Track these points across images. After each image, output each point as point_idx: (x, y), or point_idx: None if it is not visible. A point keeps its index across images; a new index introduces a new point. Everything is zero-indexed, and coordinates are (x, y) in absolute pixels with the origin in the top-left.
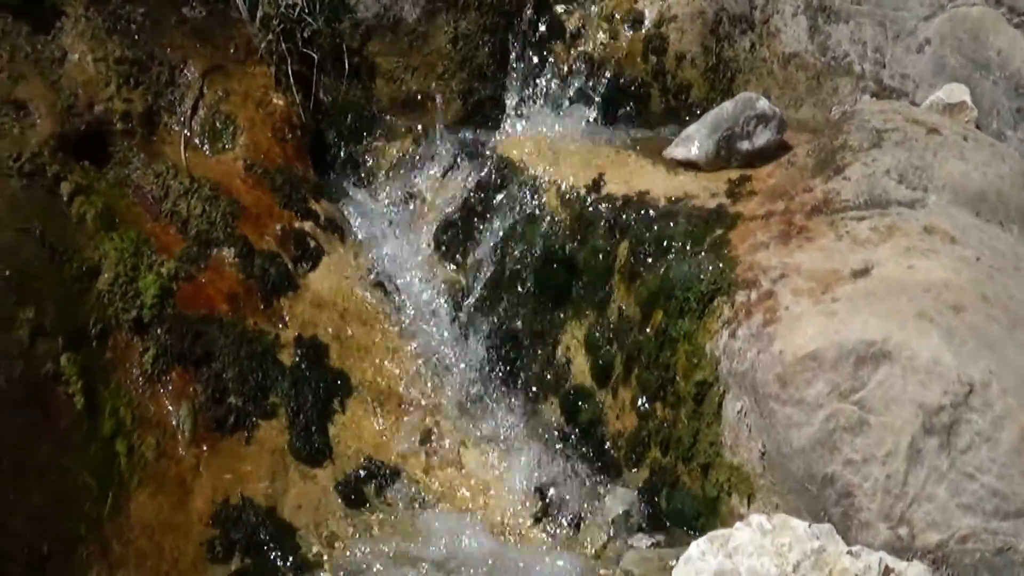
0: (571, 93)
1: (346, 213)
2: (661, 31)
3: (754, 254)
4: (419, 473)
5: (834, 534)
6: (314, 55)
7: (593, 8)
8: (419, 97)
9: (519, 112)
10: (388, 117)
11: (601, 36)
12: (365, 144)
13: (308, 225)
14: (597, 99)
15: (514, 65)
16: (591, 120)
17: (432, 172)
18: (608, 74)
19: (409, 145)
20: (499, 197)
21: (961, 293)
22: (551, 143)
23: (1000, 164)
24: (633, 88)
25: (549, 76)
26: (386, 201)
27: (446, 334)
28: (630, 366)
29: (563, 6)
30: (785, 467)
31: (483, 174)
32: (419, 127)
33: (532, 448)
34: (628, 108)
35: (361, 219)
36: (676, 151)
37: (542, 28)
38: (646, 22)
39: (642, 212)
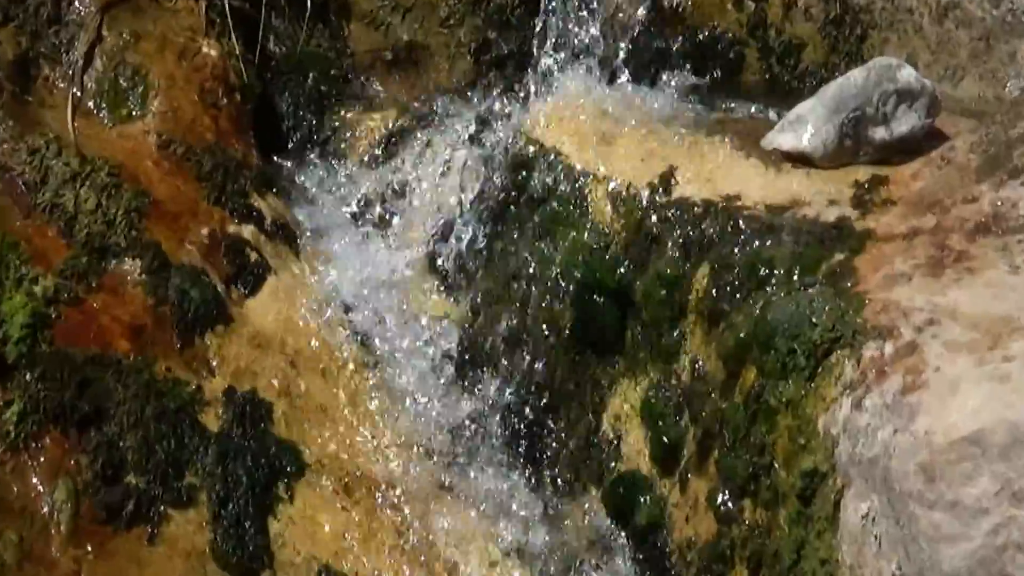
0: (629, 50)
1: (303, 214)
2: None
3: (890, 290)
4: None
5: None
6: None
7: None
8: (412, 51)
9: (554, 75)
10: (367, 79)
11: None
12: (333, 116)
13: (248, 230)
14: (667, 60)
15: (549, 6)
16: (658, 90)
17: (427, 158)
18: (684, 25)
19: (395, 119)
20: (523, 197)
21: None
22: (599, 121)
23: None
24: (720, 47)
25: (599, 24)
26: (361, 199)
27: (440, 392)
28: (707, 446)
29: None
30: None
31: (501, 164)
32: (410, 94)
33: (560, 560)
34: (712, 74)
35: (324, 223)
36: (781, 139)
37: None
38: None
39: (730, 225)
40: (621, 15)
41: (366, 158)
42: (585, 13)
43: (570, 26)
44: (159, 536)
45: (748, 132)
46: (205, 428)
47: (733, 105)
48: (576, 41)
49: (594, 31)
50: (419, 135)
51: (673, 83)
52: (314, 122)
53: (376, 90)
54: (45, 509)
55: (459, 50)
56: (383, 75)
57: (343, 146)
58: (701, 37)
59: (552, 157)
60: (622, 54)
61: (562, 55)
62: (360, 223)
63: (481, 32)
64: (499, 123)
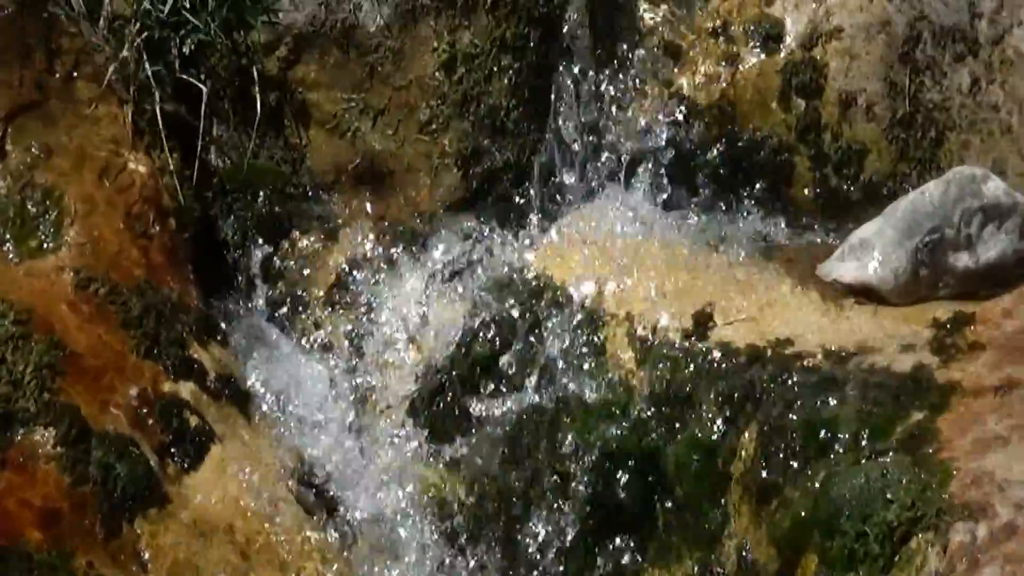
0: (655, 161)
1: (255, 367)
2: (813, 55)
3: (982, 457)
4: None
5: None
6: (202, 86)
7: (696, 15)
8: (385, 163)
9: (563, 193)
10: (330, 198)
11: (708, 63)
12: (290, 245)
13: (187, 389)
14: (701, 172)
15: (556, 109)
16: (689, 209)
17: (406, 296)
18: (721, 130)
19: (367, 248)
20: (525, 343)
21: None
22: (618, 249)
23: None
24: (764, 155)
25: (617, 131)
26: (326, 346)
27: None
28: None
29: (647, 7)
30: None
31: (498, 303)
32: (384, 216)
33: None
34: (755, 189)
35: (281, 378)
36: (842, 268)
37: (605, 47)
38: (787, 39)
39: (782, 378)
40: (644, 119)
41: (331, 297)
42: (599, 115)
43: (581, 132)
44: None
45: (801, 260)
46: None
47: (782, 226)
48: (589, 150)
49: (611, 138)
50: (396, 267)
51: (708, 200)
52: (267, 253)
53: (342, 212)
54: None
55: (443, 162)
56: (350, 193)
57: (303, 282)
58: (741, 143)
59: (560, 294)
60: (646, 166)
61: (572, 168)
62: (327, 378)
63: (470, 139)
64: (494, 252)
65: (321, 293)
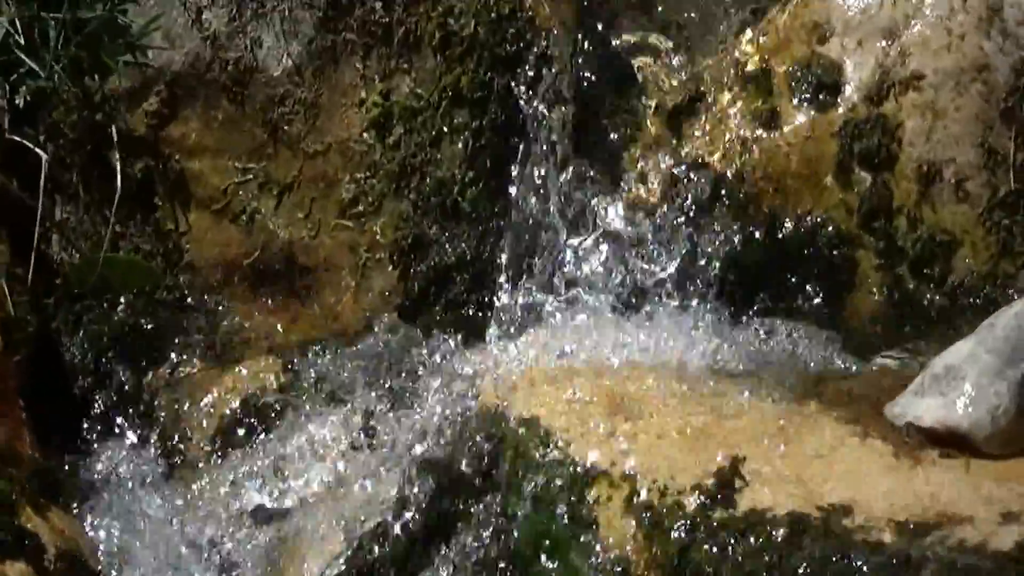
0: (666, 257)
1: (112, 540)
2: (883, 112)
3: None
4: None
5: None
6: (41, 151)
7: (718, 56)
8: (295, 259)
9: (535, 299)
10: (218, 306)
11: (737, 122)
12: (160, 373)
13: (16, 571)
14: (725, 275)
15: (526, 186)
16: (712, 324)
17: (320, 448)
18: (753, 214)
19: (266, 380)
20: (481, 515)
21: None
22: (614, 378)
23: None
24: (814, 248)
25: (608, 215)
26: (207, 516)
27: None
28: None
29: (646, 46)
30: None
31: (444, 456)
32: (292, 331)
33: None
34: (802, 297)
35: (146, 555)
36: (920, 407)
37: (591, 101)
38: (847, 90)
39: (837, 558)
40: (652, 198)
41: (217, 445)
42: (584, 193)
43: (560, 216)
44: None
45: (864, 394)
46: None
47: (838, 347)
48: (574, 241)
49: (599, 223)
50: (305, 406)
51: (736, 312)
52: (130, 383)
53: (234, 325)
54: None
55: (374, 256)
56: (246, 299)
57: (179, 425)
58: (783, 234)
59: (533, 441)
60: (650, 263)
61: (547, 265)
62: (208, 552)
63: (411, 226)
64: (441, 381)
65: (203, 440)
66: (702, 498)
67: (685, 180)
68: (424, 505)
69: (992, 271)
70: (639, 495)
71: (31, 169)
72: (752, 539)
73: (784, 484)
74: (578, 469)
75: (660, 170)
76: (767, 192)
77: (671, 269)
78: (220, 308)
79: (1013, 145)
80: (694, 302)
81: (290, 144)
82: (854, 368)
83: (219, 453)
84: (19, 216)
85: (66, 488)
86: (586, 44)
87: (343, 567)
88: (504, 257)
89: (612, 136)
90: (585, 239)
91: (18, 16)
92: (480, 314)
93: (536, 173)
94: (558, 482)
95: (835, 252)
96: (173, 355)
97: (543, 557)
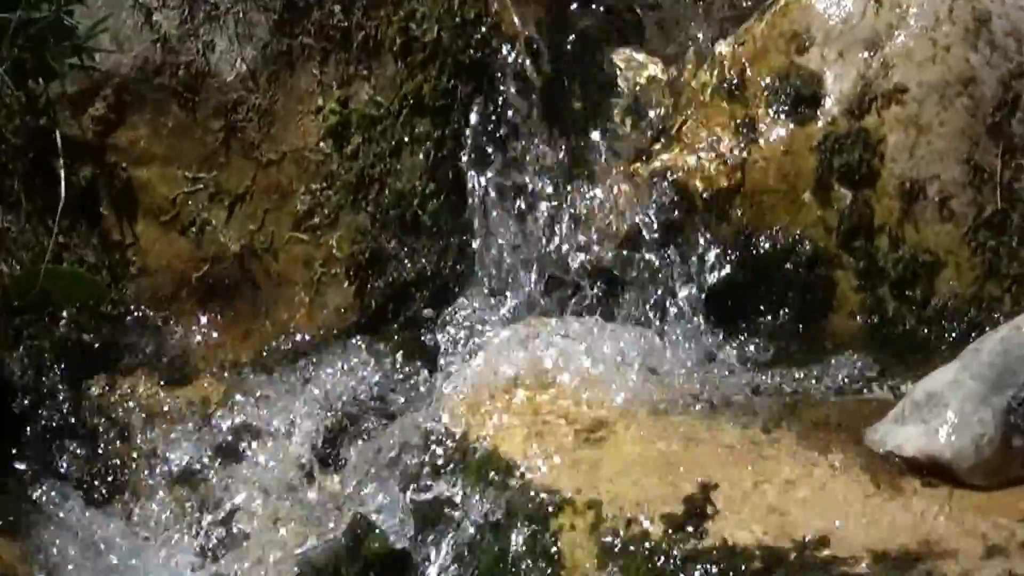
0: (631, 275)
1: (55, 563)
2: (864, 126)
3: None
4: None
5: None
6: None
7: (692, 65)
8: (247, 273)
9: (498, 315)
10: (166, 321)
11: (711, 134)
12: (103, 391)
13: None
14: (696, 294)
15: (490, 199)
16: (681, 344)
17: (276, 466)
18: (726, 230)
19: (218, 396)
20: (443, 538)
21: None
22: (575, 399)
23: None
24: (791, 267)
25: (577, 230)
26: (153, 538)
27: None
28: None
29: (621, 53)
30: None
31: (403, 474)
32: (243, 347)
33: None
34: (777, 318)
35: None
36: (900, 435)
37: (563, 109)
38: (827, 102)
39: None
40: (614, 213)
41: (161, 467)
42: (554, 208)
43: (526, 231)
44: None
45: (842, 421)
46: None
47: (815, 372)
48: (534, 254)
49: (569, 239)
50: (257, 423)
51: (707, 333)
52: (70, 401)
53: (182, 342)
54: None
55: (329, 271)
56: (195, 315)
57: (122, 446)
58: (758, 252)
59: (491, 468)
60: (619, 282)
61: (511, 282)
62: None
63: (369, 239)
64: (398, 403)
65: (146, 463)
66: (670, 528)
67: (657, 194)
68: (375, 534)
69: (977, 294)
70: (603, 524)
71: None
72: (724, 572)
73: (755, 513)
74: (535, 493)
75: (631, 181)
76: (741, 208)
77: (638, 286)
78: (167, 324)
79: (1000, 162)
80: (666, 323)
81: (243, 153)
82: (832, 394)
83: (162, 476)
84: None
85: (3, 511)
86: (554, 50)
87: None
88: (465, 273)
89: (581, 145)
90: (545, 255)
91: None
92: (440, 333)
93: (502, 187)
94: (511, 505)
95: (812, 272)
96: (118, 373)
97: None
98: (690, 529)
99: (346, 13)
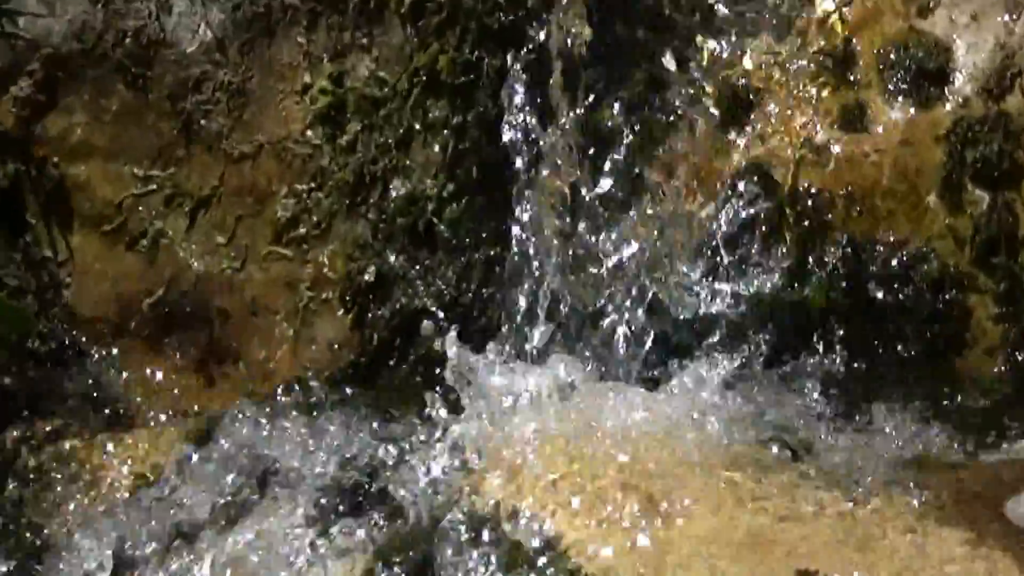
0: (699, 302)
1: None
2: (1004, 108)
3: None
4: None
5: None
6: None
7: (783, 34)
8: (213, 298)
9: (533, 354)
10: (109, 358)
11: (807, 120)
12: (34, 444)
13: None
14: (784, 323)
15: (523, 204)
16: (761, 392)
17: (243, 550)
18: (827, 240)
19: (172, 452)
20: None
21: None
22: (626, 464)
23: None
24: (909, 289)
25: (628, 245)
26: None
27: None
28: None
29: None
30: None
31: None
32: (208, 396)
33: None
34: (891, 354)
35: None
36: None
37: (612, 89)
38: (957, 79)
39: None
40: (680, 221)
41: (94, 531)
42: (596, 214)
43: (564, 244)
44: None
45: (978, 490)
46: None
47: (941, 425)
48: (578, 279)
49: (615, 255)
50: (224, 496)
51: (798, 376)
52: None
53: (128, 386)
54: None
55: (320, 296)
56: (146, 353)
57: (51, 508)
58: (869, 269)
59: (515, 546)
60: (681, 308)
61: (545, 311)
62: None
63: (370, 256)
64: (414, 467)
65: (78, 527)
66: None
67: (735, 197)
68: None
69: None
70: None
71: None
72: None
73: None
74: None
75: (702, 180)
76: (847, 214)
77: (712, 315)
78: (110, 364)
79: None
80: (736, 360)
81: (208, 144)
82: (964, 455)
83: (95, 543)
84: None
85: None
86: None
87: None
88: (492, 297)
89: (640, 139)
90: (591, 277)
91: None
92: (461, 377)
93: (537, 185)
94: None
95: (940, 296)
96: (48, 422)
97: None
98: None
99: None
